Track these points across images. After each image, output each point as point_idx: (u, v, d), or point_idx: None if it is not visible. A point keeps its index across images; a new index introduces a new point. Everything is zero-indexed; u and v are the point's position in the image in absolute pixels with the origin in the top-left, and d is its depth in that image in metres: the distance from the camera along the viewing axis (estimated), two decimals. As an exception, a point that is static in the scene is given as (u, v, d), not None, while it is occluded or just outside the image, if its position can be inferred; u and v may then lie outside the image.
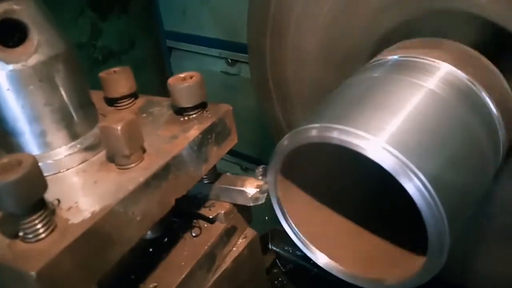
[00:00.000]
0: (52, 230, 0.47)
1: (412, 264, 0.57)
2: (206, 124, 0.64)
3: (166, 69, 2.56)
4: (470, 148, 0.59)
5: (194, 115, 0.66)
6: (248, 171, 2.33)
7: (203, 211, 0.71)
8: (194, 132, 0.62)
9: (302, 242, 0.66)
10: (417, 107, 0.61)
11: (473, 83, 0.68)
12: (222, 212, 0.71)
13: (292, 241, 1.48)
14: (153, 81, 2.45)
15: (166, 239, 0.68)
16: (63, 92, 0.57)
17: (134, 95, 0.73)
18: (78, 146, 0.59)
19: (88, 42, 2.08)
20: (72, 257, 0.46)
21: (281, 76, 1.06)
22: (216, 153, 0.66)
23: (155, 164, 0.56)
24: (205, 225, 0.72)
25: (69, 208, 0.51)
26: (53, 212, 0.49)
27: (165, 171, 0.57)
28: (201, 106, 0.66)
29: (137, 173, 0.55)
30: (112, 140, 0.54)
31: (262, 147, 2.13)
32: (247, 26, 1.11)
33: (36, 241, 0.46)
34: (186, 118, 0.66)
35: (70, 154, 0.58)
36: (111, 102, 0.72)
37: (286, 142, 0.64)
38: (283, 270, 1.38)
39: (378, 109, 0.62)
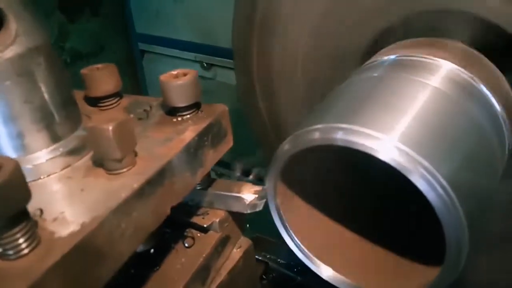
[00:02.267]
0: (36, 245, 0.41)
1: (425, 274, 0.54)
2: (202, 125, 0.59)
3: (138, 73, 2.48)
4: (483, 147, 0.57)
5: (188, 116, 0.61)
6: (222, 177, 2.27)
7: (196, 220, 0.66)
8: (189, 134, 0.57)
9: (304, 254, 0.62)
10: (425, 105, 0.58)
11: (475, 81, 0.66)
12: (217, 220, 0.66)
13: (275, 249, 1.43)
14: (125, 85, 2.37)
15: (157, 252, 0.62)
16: (44, 89, 0.51)
17: (118, 94, 0.67)
18: (61, 149, 0.53)
19: (55, 43, 1.98)
20: (60, 276, 0.40)
21: (269, 79, 1.02)
22: (212, 157, 0.61)
23: (149, 169, 0.51)
24: (198, 234, 0.66)
25: (55, 219, 0.44)
26: (35, 224, 0.43)
27: (160, 176, 0.51)
28: (195, 106, 0.61)
29: (130, 179, 0.49)
30: (102, 142, 0.48)
31: (238, 152, 2.08)
32: (232, 28, 1.06)
33: (18, 258, 0.39)
34: (179, 118, 0.61)
35: (51, 158, 0.52)
36: (94, 102, 0.66)
37: (287, 147, 0.60)
38: (265, 278, 1.34)
39: (384, 108, 0.59)
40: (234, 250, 0.70)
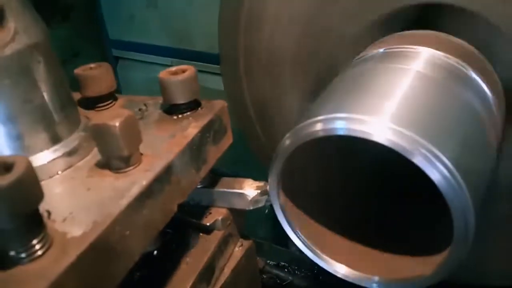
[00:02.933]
0: (49, 247, 0.39)
1: (434, 259, 0.54)
2: (204, 121, 0.58)
3: (113, 80, 2.43)
4: (476, 126, 0.58)
5: (188, 113, 0.60)
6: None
7: (198, 219, 0.65)
8: (192, 130, 0.56)
9: (314, 253, 0.61)
10: (413, 90, 0.59)
11: (459, 64, 0.68)
12: (220, 218, 0.65)
13: (265, 251, 1.41)
14: (100, 92, 2.32)
15: (161, 253, 0.61)
16: (43, 88, 0.49)
17: (113, 95, 0.66)
18: (62, 150, 0.51)
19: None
20: (76, 276, 0.38)
21: (257, 83, 1.02)
22: (214, 153, 0.60)
23: (156, 166, 0.50)
24: (201, 234, 0.65)
25: (64, 220, 0.43)
26: (46, 226, 0.41)
27: (167, 173, 0.50)
28: (195, 102, 0.61)
29: (138, 177, 0.48)
30: (108, 139, 0.47)
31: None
32: (219, 35, 1.05)
33: (31, 260, 0.38)
34: (179, 116, 0.60)
35: (53, 160, 0.50)
36: (88, 103, 0.64)
37: (288, 142, 0.59)
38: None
39: (378, 96, 0.60)
40: (236, 248, 0.70)
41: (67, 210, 0.44)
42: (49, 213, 0.44)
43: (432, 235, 0.64)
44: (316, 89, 0.89)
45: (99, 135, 0.47)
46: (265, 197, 0.64)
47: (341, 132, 0.55)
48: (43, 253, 0.38)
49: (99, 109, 0.63)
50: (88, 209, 0.44)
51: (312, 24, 0.89)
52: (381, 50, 0.77)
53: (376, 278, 0.56)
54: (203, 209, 0.67)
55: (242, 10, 0.97)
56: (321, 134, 0.57)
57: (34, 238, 0.38)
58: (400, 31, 0.81)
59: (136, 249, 0.46)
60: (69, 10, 2.14)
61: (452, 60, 0.68)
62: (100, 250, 0.41)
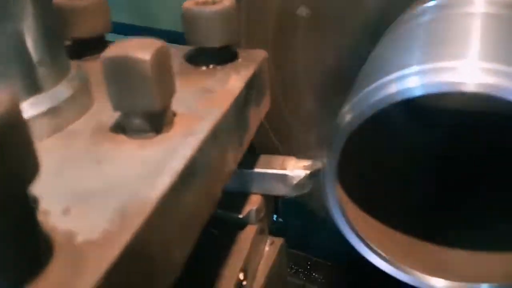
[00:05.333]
0: (49, 256, 0.21)
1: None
2: (247, 73, 0.42)
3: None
4: None
5: (222, 63, 0.43)
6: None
7: (228, 210, 0.49)
8: (236, 83, 0.40)
9: (398, 268, 0.45)
10: (490, 32, 0.48)
11: None
12: (254, 208, 0.49)
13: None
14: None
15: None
16: (19, 4, 0.31)
17: (106, 41, 0.47)
18: (46, 103, 0.33)
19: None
20: (104, 313, 0.21)
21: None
22: (255, 120, 0.44)
23: (199, 129, 0.33)
24: (229, 229, 0.49)
25: (66, 212, 0.25)
26: (39, 224, 0.23)
27: (213, 140, 0.33)
28: (229, 49, 0.44)
29: (175, 144, 0.31)
30: (133, 83, 0.29)
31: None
32: None
33: (24, 280, 0.20)
34: (210, 66, 0.43)
35: (33, 117, 0.32)
36: (72, 50, 0.45)
37: (349, 117, 0.44)
38: None
39: (455, 44, 0.47)
40: (266, 247, 0.54)
41: (68, 195, 0.26)
42: (35, 200, 0.26)
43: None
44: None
45: (117, 76, 0.29)
46: (312, 180, 0.49)
47: (424, 91, 0.41)
48: (38, 274, 0.21)
49: (88, 59, 0.45)
50: (105, 193, 0.27)
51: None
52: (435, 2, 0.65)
53: (485, 286, 0.42)
54: (229, 197, 0.50)
55: None
56: (398, 97, 0.42)
57: (23, 247, 0.20)
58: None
59: (180, 257, 0.29)
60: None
61: None
62: (135, 263, 0.24)
